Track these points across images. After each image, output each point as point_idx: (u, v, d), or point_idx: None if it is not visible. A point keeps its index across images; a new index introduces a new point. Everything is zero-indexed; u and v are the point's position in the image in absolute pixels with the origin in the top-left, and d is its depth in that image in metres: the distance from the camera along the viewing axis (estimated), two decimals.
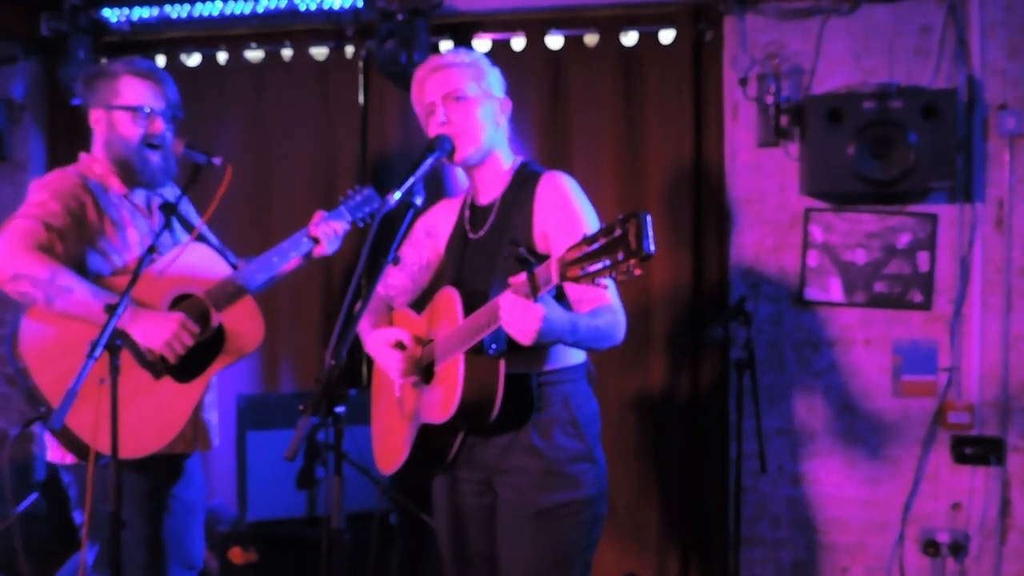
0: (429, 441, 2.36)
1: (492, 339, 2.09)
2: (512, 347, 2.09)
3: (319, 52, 4.11)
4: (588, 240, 1.79)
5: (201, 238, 2.77)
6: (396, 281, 2.61)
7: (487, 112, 2.38)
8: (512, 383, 2.18)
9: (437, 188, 3.81)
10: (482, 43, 3.96)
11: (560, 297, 2.25)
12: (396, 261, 2.21)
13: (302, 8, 4.01)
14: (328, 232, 2.79)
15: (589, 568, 2.35)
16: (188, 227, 2.81)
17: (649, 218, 1.71)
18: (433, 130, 2.38)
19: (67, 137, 4.26)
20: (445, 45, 3.92)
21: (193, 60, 4.21)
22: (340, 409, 2.06)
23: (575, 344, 2.14)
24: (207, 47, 4.19)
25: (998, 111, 3.68)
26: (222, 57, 4.19)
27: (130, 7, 4.08)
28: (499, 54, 3.84)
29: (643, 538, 3.89)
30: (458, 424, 2.27)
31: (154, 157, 2.68)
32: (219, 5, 4.05)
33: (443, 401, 2.22)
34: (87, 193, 2.61)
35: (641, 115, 3.89)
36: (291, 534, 3.48)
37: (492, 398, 2.16)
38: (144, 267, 2.42)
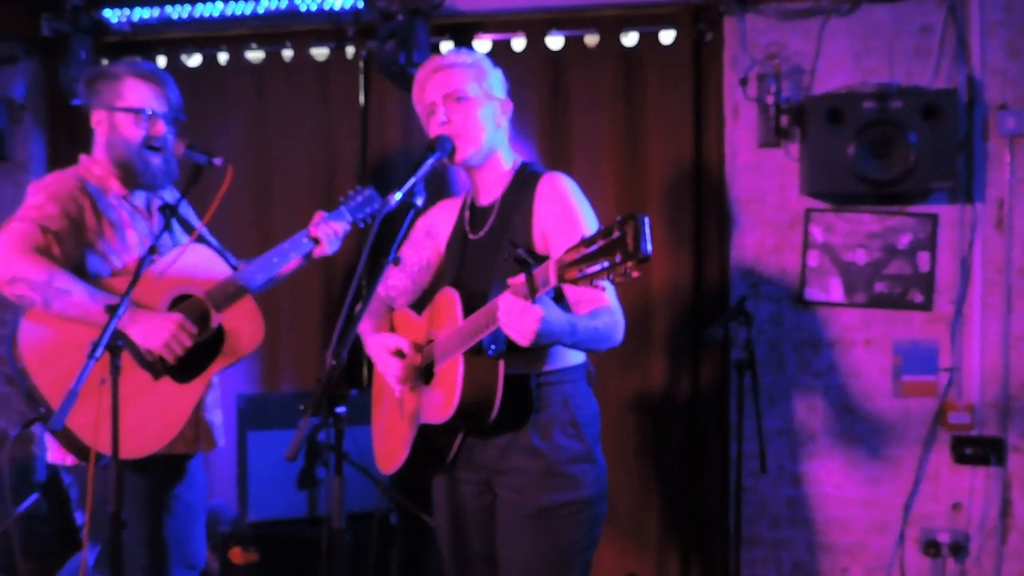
0: (429, 441, 2.36)
1: (491, 340, 2.09)
2: (511, 348, 2.09)
3: (320, 53, 4.12)
4: (586, 242, 1.79)
5: (201, 239, 2.77)
6: (396, 282, 2.62)
7: (488, 113, 2.38)
8: (511, 383, 2.19)
9: (440, 187, 3.81)
10: (482, 44, 3.96)
11: (559, 298, 2.25)
12: (397, 262, 2.21)
13: (303, 9, 4.01)
14: (328, 232, 2.79)
15: (589, 568, 2.35)
16: (188, 228, 2.81)
17: (647, 220, 1.71)
18: (434, 130, 2.38)
19: (68, 137, 4.26)
20: (446, 45, 3.92)
21: (194, 61, 4.21)
22: (341, 409, 2.06)
23: (573, 345, 2.15)
24: (208, 48, 4.19)
25: (998, 111, 3.68)
26: (223, 58, 4.19)
27: (131, 8, 4.08)
28: (499, 55, 3.84)
29: (643, 538, 3.89)
30: (457, 424, 2.27)
31: (155, 159, 2.68)
32: (220, 6, 4.05)
33: (443, 402, 2.22)
34: (85, 196, 2.61)
35: (641, 115, 3.89)
36: (292, 534, 3.48)
37: (491, 399, 2.17)
38: (144, 268, 2.42)
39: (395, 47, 3.71)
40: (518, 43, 3.96)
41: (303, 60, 4.12)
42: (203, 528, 2.83)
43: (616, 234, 1.73)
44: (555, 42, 3.93)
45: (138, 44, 4.19)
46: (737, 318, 3.52)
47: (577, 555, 2.31)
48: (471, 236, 2.45)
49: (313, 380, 3.77)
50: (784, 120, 3.76)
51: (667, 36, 3.85)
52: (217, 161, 2.64)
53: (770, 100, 3.75)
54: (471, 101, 2.36)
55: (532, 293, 1.92)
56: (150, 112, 2.66)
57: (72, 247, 2.55)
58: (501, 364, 2.16)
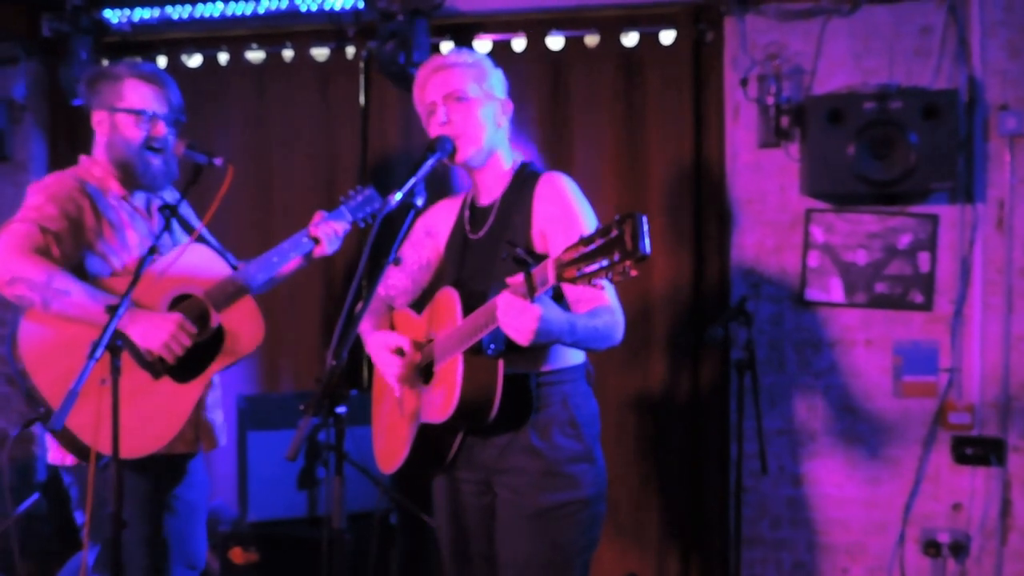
0: (429, 441, 2.36)
1: (491, 339, 2.09)
2: (510, 347, 2.09)
3: (320, 53, 4.12)
4: (585, 241, 1.79)
5: (201, 239, 2.77)
6: (396, 281, 2.62)
7: (488, 113, 2.38)
8: (511, 383, 2.19)
9: (443, 187, 3.80)
10: (483, 44, 3.96)
11: (559, 297, 2.25)
12: (397, 262, 2.22)
13: (303, 9, 4.01)
14: (328, 232, 2.80)
15: (588, 568, 2.35)
16: (188, 229, 2.82)
17: (645, 219, 1.71)
18: (434, 130, 2.38)
19: (68, 138, 4.27)
20: (446, 46, 3.92)
21: (194, 61, 4.21)
22: (341, 409, 2.07)
23: (573, 344, 2.15)
24: (208, 48, 4.19)
25: (999, 111, 3.68)
26: (223, 58, 4.19)
27: (131, 8, 4.08)
28: (500, 55, 3.84)
29: (643, 538, 3.89)
30: (457, 424, 2.27)
31: (155, 160, 2.69)
32: (220, 6, 4.05)
33: (442, 401, 2.22)
34: (84, 196, 2.61)
35: (642, 116, 3.89)
36: (292, 534, 3.48)
37: (491, 398, 2.17)
38: (145, 268, 2.42)
39: (395, 47, 3.71)
40: (518, 43, 3.96)
41: (303, 60, 4.12)
42: (204, 528, 2.84)
43: (614, 233, 1.73)
44: (555, 42, 3.93)
45: (138, 44, 4.19)
46: (737, 318, 3.52)
47: (576, 555, 2.30)
48: (471, 236, 2.45)
49: (313, 380, 3.77)
50: (784, 120, 3.76)
51: (667, 36, 3.85)
52: (217, 161, 2.64)
53: (770, 100, 3.75)
54: (472, 101, 2.36)
55: (531, 292, 1.92)
56: (151, 113, 2.66)
57: (71, 248, 2.56)
58: (500, 363, 2.16)
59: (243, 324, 2.69)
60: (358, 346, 2.46)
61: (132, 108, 2.66)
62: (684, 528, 3.87)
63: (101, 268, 2.61)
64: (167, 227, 2.59)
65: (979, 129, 3.71)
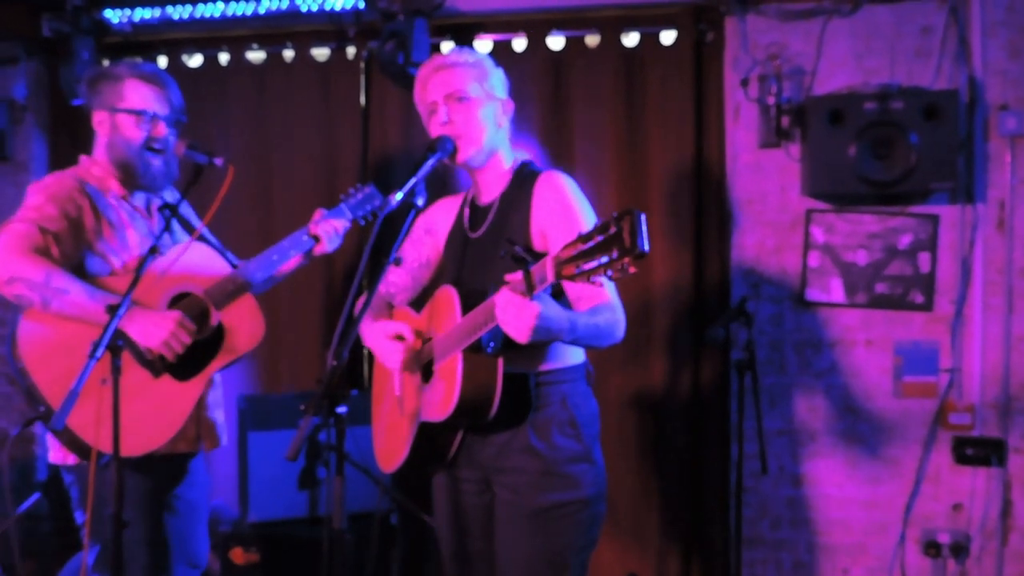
0: (429, 439, 2.36)
1: (490, 337, 2.09)
2: (509, 345, 2.09)
3: (320, 53, 4.12)
4: (583, 238, 1.79)
5: (202, 239, 2.77)
6: (396, 279, 2.62)
7: (489, 113, 2.38)
8: (510, 381, 2.19)
9: (444, 186, 3.80)
10: (483, 44, 3.96)
11: (560, 295, 2.25)
12: (398, 262, 2.22)
13: (303, 9, 4.01)
14: (328, 230, 2.80)
15: (586, 568, 2.35)
16: (189, 228, 2.82)
17: (643, 216, 1.71)
18: (435, 130, 2.38)
19: (69, 138, 4.26)
20: (446, 46, 3.92)
21: (195, 61, 4.21)
22: (342, 409, 2.07)
23: (573, 342, 2.14)
24: (209, 48, 4.19)
25: (999, 112, 3.68)
26: (224, 58, 4.19)
27: (132, 8, 4.08)
28: (500, 55, 3.83)
29: (644, 538, 3.89)
30: (457, 422, 2.27)
31: (156, 161, 2.69)
32: (221, 6, 4.05)
33: (442, 399, 2.22)
34: (84, 196, 2.62)
35: (642, 116, 3.89)
36: (293, 534, 3.48)
37: (491, 396, 2.17)
38: (146, 268, 2.42)
39: (396, 47, 3.71)
40: (519, 44, 3.96)
41: (304, 60, 4.12)
42: (206, 527, 2.84)
43: (613, 230, 1.73)
44: (556, 42, 3.93)
45: (139, 44, 4.19)
46: (738, 319, 3.52)
47: (575, 555, 2.30)
48: (470, 234, 2.45)
49: (314, 380, 3.79)
50: (785, 121, 3.76)
51: (668, 36, 3.85)
52: (218, 161, 2.64)
53: (771, 101, 3.75)
54: (473, 101, 2.36)
55: (529, 290, 1.92)
56: (152, 114, 2.67)
57: (71, 247, 2.56)
58: (500, 362, 2.16)
59: (243, 322, 2.69)
60: (359, 346, 2.46)
61: (133, 108, 2.66)
62: (684, 528, 3.87)
63: (101, 268, 2.61)
64: (167, 227, 2.59)
65: (979, 129, 3.71)
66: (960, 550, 3.72)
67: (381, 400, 2.63)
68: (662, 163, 3.86)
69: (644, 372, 3.88)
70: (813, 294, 3.84)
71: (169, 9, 4.06)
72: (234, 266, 2.76)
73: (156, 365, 2.55)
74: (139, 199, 2.76)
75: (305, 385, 4.03)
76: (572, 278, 1.80)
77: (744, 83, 3.81)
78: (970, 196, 3.73)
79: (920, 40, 3.74)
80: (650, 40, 3.86)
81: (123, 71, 2.70)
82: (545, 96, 3.95)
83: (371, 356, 2.74)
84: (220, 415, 2.81)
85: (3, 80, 4.32)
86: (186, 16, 4.07)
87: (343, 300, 3.14)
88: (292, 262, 2.82)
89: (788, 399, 3.87)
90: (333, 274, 4.10)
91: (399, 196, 2.20)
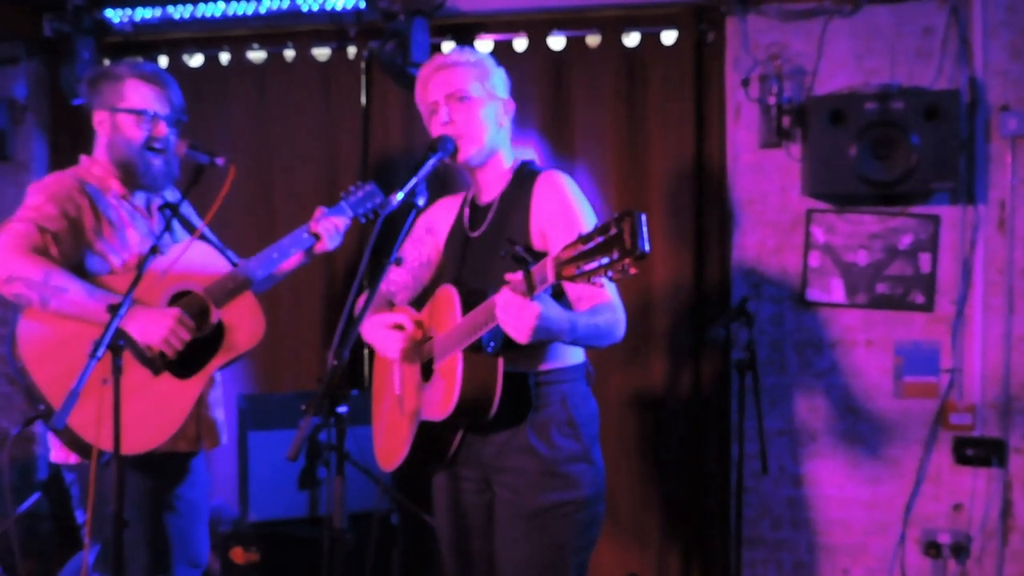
0: (429, 438, 2.36)
1: (490, 337, 2.09)
2: (509, 345, 2.09)
3: (321, 53, 4.12)
4: (584, 239, 1.79)
5: (203, 238, 2.77)
6: (397, 278, 2.62)
7: (490, 113, 2.38)
8: (510, 381, 2.19)
9: (446, 185, 3.80)
10: (484, 44, 3.96)
11: (559, 295, 2.25)
12: (399, 262, 2.21)
13: (304, 9, 4.01)
14: (329, 228, 2.79)
15: (585, 569, 2.35)
16: (189, 228, 2.82)
17: (644, 217, 1.70)
18: (436, 130, 2.38)
19: (69, 138, 4.27)
20: (447, 46, 3.92)
21: (195, 61, 4.21)
22: (342, 409, 2.07)
23: (573, 342, 2.14)
24: (209, 48, 4.19)
25: (1000, 112, 3.68)
26: (224, 58, 4.19)
27: (132, 8, 4.08)
28: (501, 55, 3.82)
29: (644, 538, 3.89)
30: (457, 421, 2.27)
31: (156, 161, 2.69)
32: (221, 6, 4.05)
33: (442, 398, 2.22)
34: (84, 196, 2.62)
35: (643, 116, 3.89)
36: (293, 534, 3.48)
37: (491, 396, 2.17)
38: (147, 267, 2.42)
39: (397, 47, 3.71)
40: (520, 43, 3.96)
41: (305, 60, 4.12)
42: (206, 526, 2.84)
43: (613, 231, 1.73)
44: (557, 42, 3.93)
45: (140, 44, 4.20)
46: (738, 319, 3.52)
47: (574, 555, 2.30)
48: (470, 234, 2.46)
49: (314, 380, 3.79)
50: (786, 121, 3.77)
51: (669, 36, 3.85)
52: (219, 161, 2.64)
53: (772, 101, 3.75)
54: (474, 101, 2.36)
55: (530, 290, 1.92)
56: (152, 113, 2.67)
57: (70, 247, 2.56)
58: (500, 361, 2.16)
59: (243, 320, 2.69)
60: (359, 346, 2.46)
61: (133, 108, 2.66)
62: (685, 528, 3.87)
63: (100, 267, 2.61)
64: (168, 227, 2.59)
65: (980, 130, 3.71)
66: (960, 550, 3.72)
67: (381, 399, 2.63)
68: (663, 163, 3.86)
69: (644, 372, 3.88)
70: (814, 294, 3.84)
71: (170, 9, 4.06)
72: (234, 264, 2.76)
73: (156, 363, 2.55)
74: (140, 199, 2.76)
75: (305, 385, 4.03)
76: (573, 279, 1.80)
77: (745, 83, 3.81)
78: (971, 197, 3.73)
79: (921, 40, 3.74)
80: (651, 40, 3.86)
81: (124, 71, 2.70)
82: (546, 96, 3.95)
83: (372, 356, 2.74)
84: (220, 414, 2.81)
85: (4, 80, 4.32)
86: (187, 16, 4.07)
87: (344, 299, 3.14)
88: (293, 260, 2.82)
89: (789, 399, 3.87)
90: (334, 273, 4.10)
91: (400, 196, 2.20)
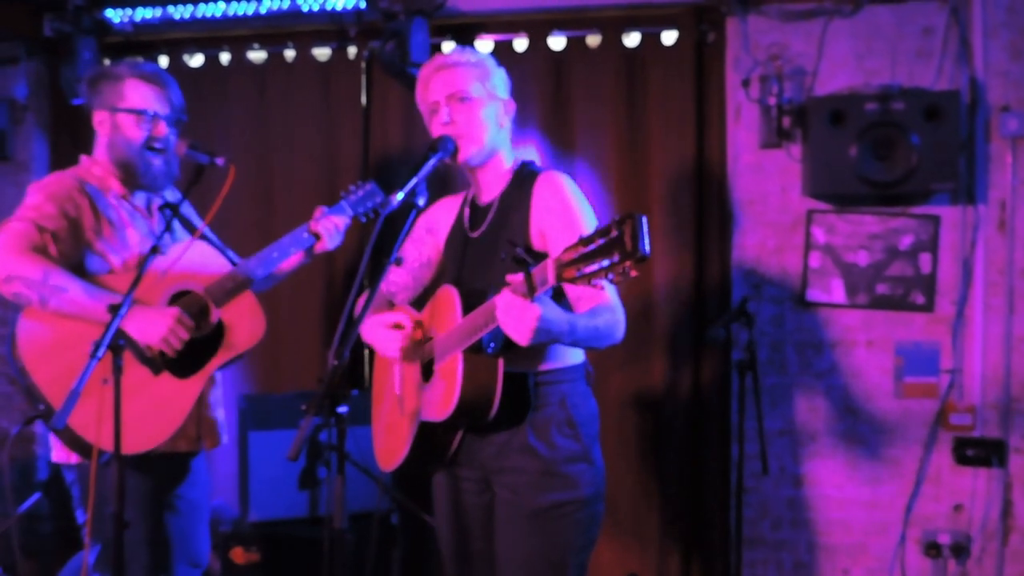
0: (429, 439, 2.36)
1: (490, 338, 2.09)
2: (509, 346, 2.09)
3: (322, 53, 4.12)
4: (584, 241, 1.79)
5: (203, 238, 2.77)
6: (397, 278, 2.62)
7: (491, 113, 2.38)
8: (510, 381, 2.19)
9: (446, 185, 3.79)
10: (484, 44, 3.96)
11: (559, 295, 2.25)
12: (399, 262, 2.21)
13: (305, 9, 4.01)
14: (329, 227, 2.79)
15: (585, 569, 2.35)
16: (190, 228, 2.81)
17: (645, 220, 1.70)
18: (436, 130, 2.38)
19: (69, 138, 4.26)
20: (447, 46, 3.92)
21: (196, 61, 4.22)
22: (343, 409, 2.07)
23: (573, 344, 2.14)
24: (210, 48, 4.19)
25: (1001, 113, 3.68)
26: (225, 58, 4.19)
27: (133, 8, 4.08)
28: (501, 55, 3.82)
29: (644, 538, 3.89)
30: (457, 422, 2.27)
31: (156, 160, 2.69)
32: (222, 6, 4.05)
33: (442, 399, 2.22)
34: (84, 196, 2.62)
35: (643, 116, 3.89)
36: (293, 534, 3.48)
37: (491, 397, 2.17)
38: (147, 267, 2.42)
39: (397, 47, 3.71)
40: (520, 44, 3.96)
41: (305, 60, 4.13)
42: (207, 526, 2.84)
43: (614, 233, 1.73)
44: (557, 43, 3.93)
45: (140, 44, 4.20)
46: (739, 319, 3.52)
47: (573, 555, 2.30)
48: (470, 234, 2.45)
49: (315, 380, 3.79)
50: (786, 121, 3.77)
51: (669, 37, 3.85)
52: (219, 161, 2.64)
53: (772, 101, 3.75)
54: (474, 101, 2.36)
55: (531, 292, 1.92)
56: (152, 113, 2.67)
57: (70, 246, 2.56)
58: (500, 362, 2.16)
59: (243, 319, 2.69)
60: (360, 346, 2.46)
61: (133, 108, 2.66)
62: (685, 528, 3.87)
63: (100, 266, 2.61)
64: (168, 227, 2.59)
65: (981, 130, 3.71)
66: (960, 551, 3.72)
67: (381, 399, 2.63)
68: (663, 163, 3.86)
69: (644, 372, 3.88)
70: (814, 295, 3.84)
71: (170, 9, 4.06)
72: (234, 264, 2.76)
73: (156, 362, 2.55)
74: (140, 199, 2.76)
75: (306, 385, 4.03)
76: (573, 281, 1.80)
77: (745, 83, 3.81)
78: (971, 197, 3.73)
79: (921, 41, 3.74)
80: (651, 40, 3.87)
81: (124, 71, 2.70)
82: (546, 96, 3.95)
83: (372, 356, 2.74)
84: (221, 414, 2.81)
85: (4, 80, 4.32)
86: (187, 16, 4.07)
87: (344, 299, 3.14)
88: (293, 259, 2.82)
89: (789, 399, 3.87)
90: (334, 273, 4.10)
91: (400, 196, 2.20)
